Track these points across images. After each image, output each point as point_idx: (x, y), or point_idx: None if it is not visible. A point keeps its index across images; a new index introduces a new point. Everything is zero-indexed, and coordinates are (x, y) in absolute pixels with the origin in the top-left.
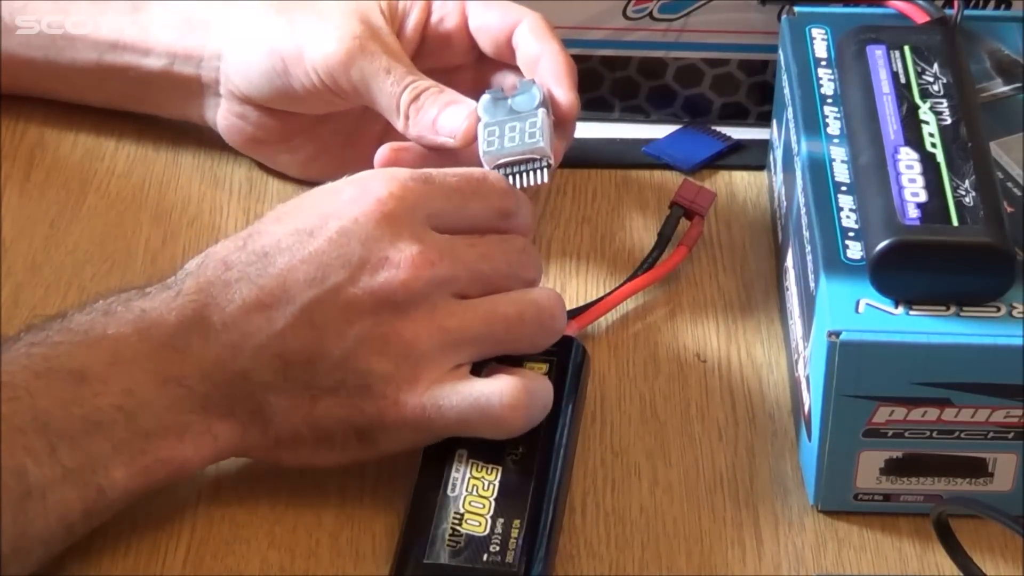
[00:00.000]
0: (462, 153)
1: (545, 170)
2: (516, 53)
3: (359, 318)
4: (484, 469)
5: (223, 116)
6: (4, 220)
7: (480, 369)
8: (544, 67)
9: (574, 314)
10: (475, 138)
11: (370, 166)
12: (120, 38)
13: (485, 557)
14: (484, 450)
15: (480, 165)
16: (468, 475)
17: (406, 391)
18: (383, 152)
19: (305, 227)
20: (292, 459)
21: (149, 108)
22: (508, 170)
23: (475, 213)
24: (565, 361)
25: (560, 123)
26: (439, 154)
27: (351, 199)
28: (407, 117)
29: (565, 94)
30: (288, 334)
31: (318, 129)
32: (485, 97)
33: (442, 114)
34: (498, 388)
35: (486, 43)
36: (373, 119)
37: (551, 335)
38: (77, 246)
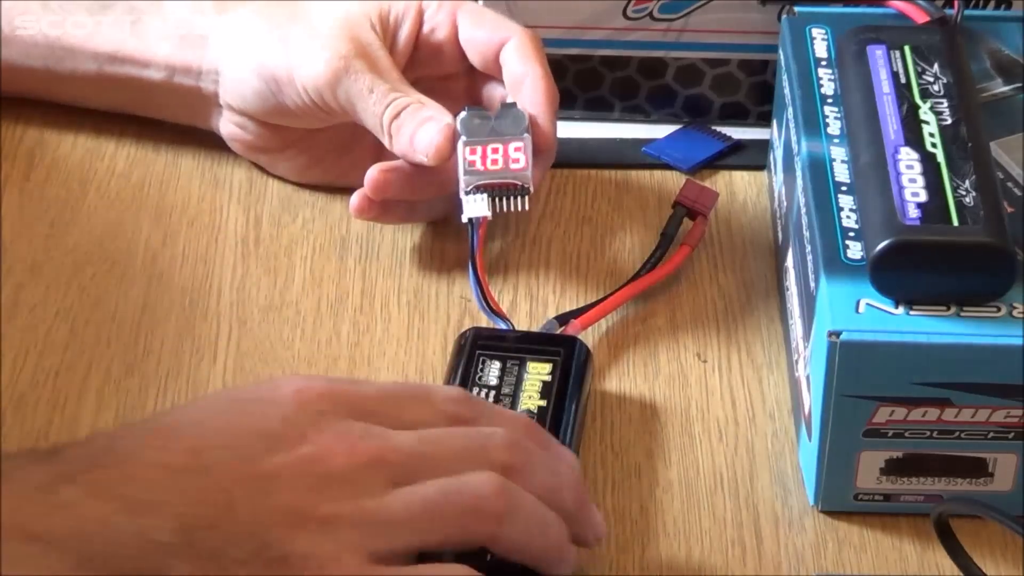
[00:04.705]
0: (446, 171)
1: (526, 197)
2: (503, 71)
3: (276, 491)
4: None
5: (224, 124)
6: (4, 220)
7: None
8: (526, 92)
9: (577, 314)
10: (450, 155)
11: (365, 171)
12: (120, 49)
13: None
14: None
15: (458, 183)
16: None
17: (331, 568)
18: (371, 174)
19: (218, 406)
20: None
21: (152, 114)
22: (488, 193)
23: (413, 418)
24: (569, 360)
25: (538, 150)
26: (424, 172)
27: (267, 388)
28: (390, 136)
29: (546, 123)
30: (194, 496)
31: (315, 138)
32: (463, 114)
33: (418, 131)
34: None
35: (474, 57)
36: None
37: (490, 527)
38: (77, 246)
